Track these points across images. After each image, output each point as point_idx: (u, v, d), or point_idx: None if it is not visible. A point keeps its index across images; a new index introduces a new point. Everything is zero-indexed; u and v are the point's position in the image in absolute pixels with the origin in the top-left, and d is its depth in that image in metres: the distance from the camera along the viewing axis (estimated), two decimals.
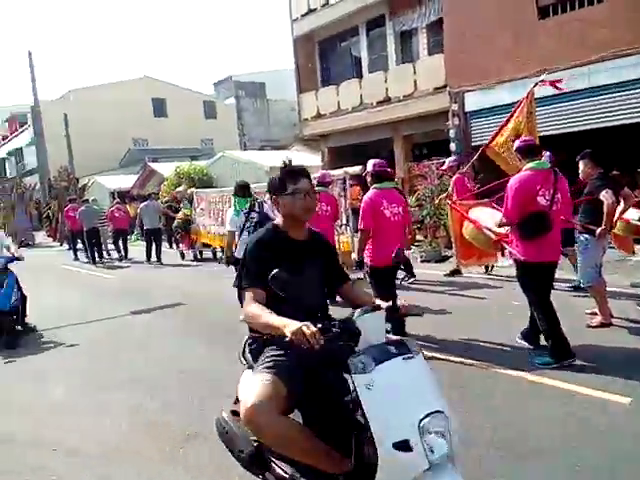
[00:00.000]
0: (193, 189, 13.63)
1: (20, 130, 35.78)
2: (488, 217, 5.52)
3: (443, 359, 4.47)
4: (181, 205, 14.13)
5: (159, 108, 34.45)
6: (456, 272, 8.10)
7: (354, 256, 5.22)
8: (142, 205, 13.30)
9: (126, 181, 24.38)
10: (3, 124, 40.16)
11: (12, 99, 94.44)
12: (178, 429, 3.51)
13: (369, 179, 5.10)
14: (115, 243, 14.13)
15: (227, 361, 4.85)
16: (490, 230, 5.20)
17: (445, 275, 8.18)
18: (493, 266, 7.95)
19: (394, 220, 4.84)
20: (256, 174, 16.89)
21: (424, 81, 13.05)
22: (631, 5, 8.72)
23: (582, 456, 2.87)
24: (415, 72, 13.38)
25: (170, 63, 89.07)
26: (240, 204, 6.05)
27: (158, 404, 3.98)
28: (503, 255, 6.79)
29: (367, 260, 4.85)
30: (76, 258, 14.29)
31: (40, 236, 22.72)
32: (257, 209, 6.00)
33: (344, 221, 7.89)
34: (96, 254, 13.18)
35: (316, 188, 7.55)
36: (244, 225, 5.92)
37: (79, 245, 14.36)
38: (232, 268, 6.20)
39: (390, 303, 2.22)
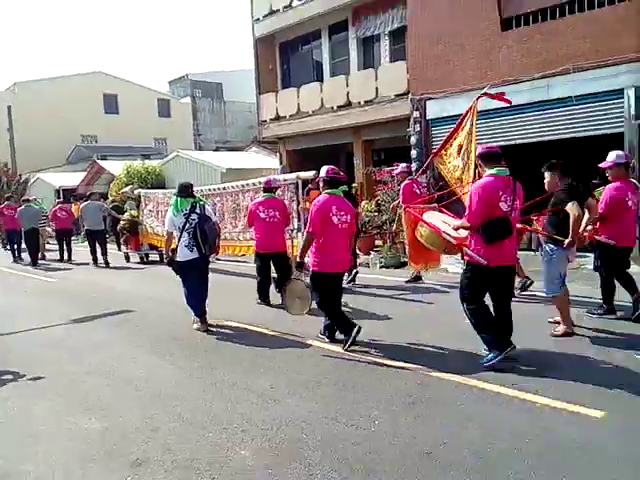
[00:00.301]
0: (140, 190, 13.00)
1: None
2: (440, 222, 5.54)
3: (392, 366, 4.41)
4: (126, 206, 13.45)
5: (110, 104, 33.07)
6: (417, 278, 7.99)
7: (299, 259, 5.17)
8: (82, 205, 12.60)
9: (72, 179, 23.15)
10: None
11: None
12: (127, 454, 3.12)
13: (321, 185, 5.13)
14: (59, 244, 13.31)
15: (175, 372, 4.51)
16: (449, 235, 5.15)
17: (406, 282, 8.03)
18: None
19: (341, 228, 4.90)
20: (212, 175, 16.43)
21: (386, 87, 13.01)
22: (591, 20, 8.94)
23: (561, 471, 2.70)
24: (377, 78, 13.32)
25: (124, 59, 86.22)
26: (181, 204, 5.75)
27: (105, 425, 3.55)
28: (463, 258, 6.75)
29: (310, 265, 4.97)
30: (14, 260, 13.38)
31: None
32: (198, 211, 5.74)
33: (295, 225, 7.73)
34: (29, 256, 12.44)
35: (262, 194, 7.37)
36: (184, 226, 5.65)
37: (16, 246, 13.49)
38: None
39: None
